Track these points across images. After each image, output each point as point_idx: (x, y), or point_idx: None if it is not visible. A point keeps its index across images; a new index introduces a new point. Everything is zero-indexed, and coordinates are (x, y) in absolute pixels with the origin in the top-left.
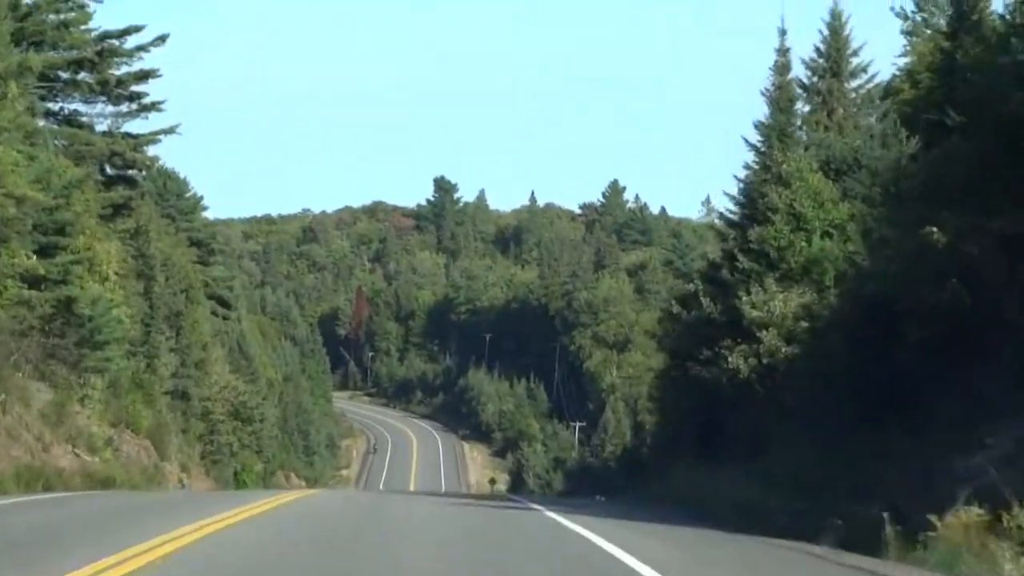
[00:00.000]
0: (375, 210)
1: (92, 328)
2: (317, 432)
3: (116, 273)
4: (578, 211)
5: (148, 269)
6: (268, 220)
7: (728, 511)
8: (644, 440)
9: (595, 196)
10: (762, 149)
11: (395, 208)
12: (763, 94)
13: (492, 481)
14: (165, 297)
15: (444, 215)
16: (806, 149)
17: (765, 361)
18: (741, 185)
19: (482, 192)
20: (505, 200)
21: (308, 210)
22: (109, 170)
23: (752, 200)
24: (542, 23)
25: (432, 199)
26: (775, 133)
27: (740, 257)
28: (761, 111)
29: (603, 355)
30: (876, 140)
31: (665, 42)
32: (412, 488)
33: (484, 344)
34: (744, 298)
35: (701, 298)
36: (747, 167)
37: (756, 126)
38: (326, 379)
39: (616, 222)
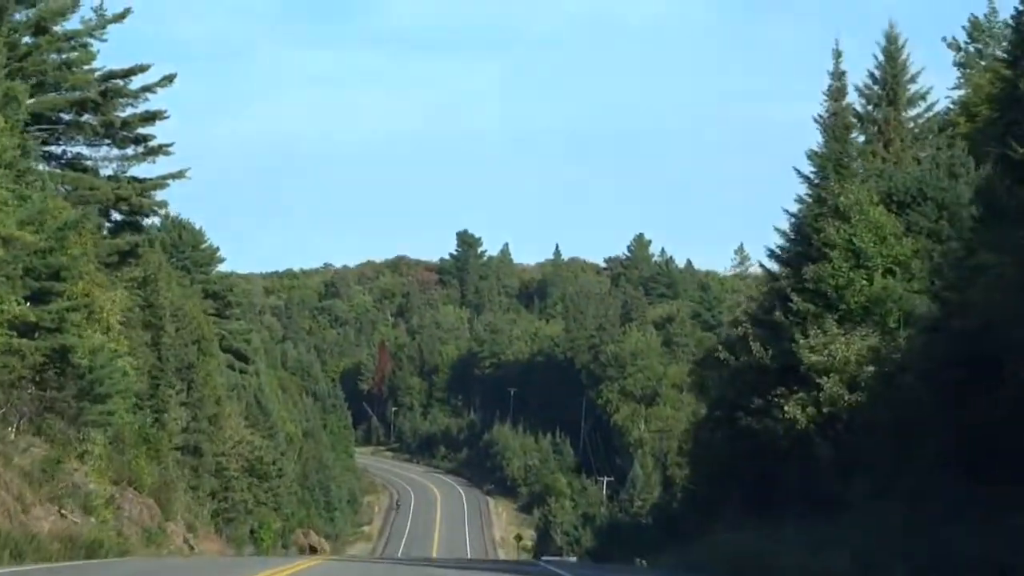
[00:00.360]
0: (398, 264)
1: (92, 380)
2: (338, 488)
3: (120, 323)
4: (603, 264)
5: (156, 319)
6: (290, 275)
7: None
8: (674, 495)
9: (620, 249)
10: (815, 181)
11: (418, 262)
12: (816, 121)
13: (518, 538)
14: (175, 349)
15: (468, 269)
16: (864, 181)
17: (826, 410)
18: (792, 220)
19: (506, 246)
20: (529, 254)
21: (330, 264)
22: (115, 216)
23: (806, 236)
24: (564, 76)
25: (455, 253)
26: (831, 163)
27: (794, 297)
28: (813, 140)
29: (631, 409)
30: (942, 170)
31: (688, 94)
32: (435, 545)
33: (509, 398)
34: (801, 341)
35: (750, 343)
36: (799, 200)
37: (809, 156)
38: (348, 434)
39: (642, 275)
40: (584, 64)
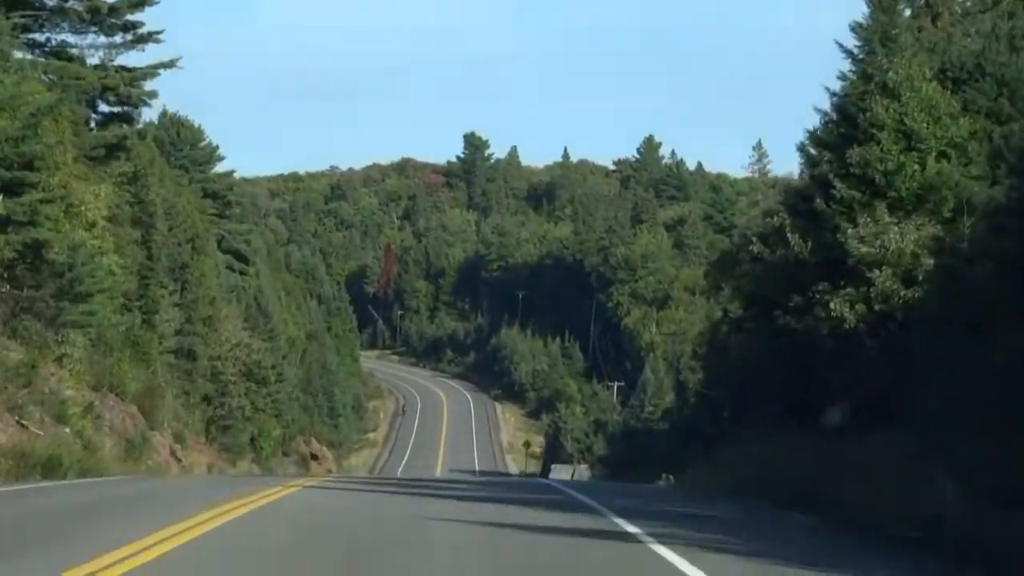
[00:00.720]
0: (404, 167)
1: (72, 278)
2: (343, 393)
3: (107, 219)
4: (612, 167)
5: (146, 216)
6: (295, 177)
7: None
8: (687, 400)
9: (630, 151)
10: (860, 56)
11: (425, 165)
12: None
13: (527, 444)
14: (168, 248)
15: (475, 171)
16: (915, 55)
17: (878, 308)
18: (834, 99)
19: (514, 148)
20: (537, 156)
21: (335, 167)
22: (103, 107)
23: (850, 116)
24: None
25: (462, 155)
26: (877, 36)
27: (837, 184)
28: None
29: (642, 312)
30: (1002, 43)
31: None
32: (441, 452)
33: (516, 302)
34: (850, 231)
35: (787, 234)
36: (842, 77)
37: (853, 28)
38: (353, 338)
39: (652, 178)
40: None
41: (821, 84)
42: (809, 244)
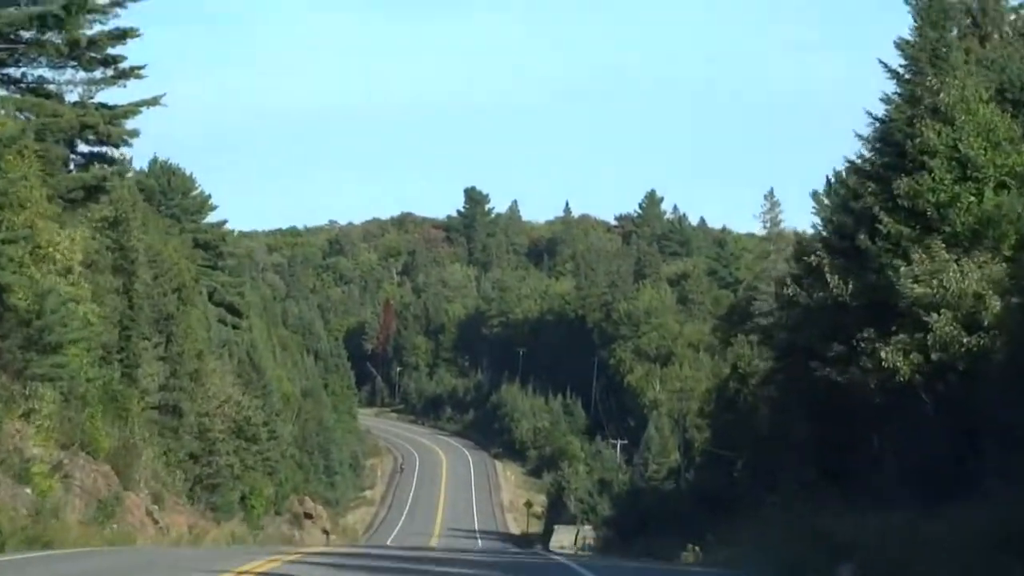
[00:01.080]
0: (404, 222)
1: (41, 327)
2: (340, 451)
3: (83, 265)
4: (614, 222)
5: (128, 264)
6: (293, 232)
7: None
8: (692, 459)
9: (632, 207)
10: (906, 76)
11: (424, 220)
12: (908, 3)
13: (529, 505)
14: (152, 298)
15: (475, 226)
16: (969, 76)
17: (936, 357)
18: (877, 125)
19: (514, 203)
20: (538, 211)
21: (334, 222)
22: (82, 147)
23: (896, 143)
24: (574, 29)
25: (463, 210)
26: (925, 54)
27: (884, 217)
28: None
29: (645, 369)
30: None
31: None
32: (440, 511)
33: (517, 359)
34: (903, 269)
35: (827, 275)
36: (886, 100)
37: (899, 45)
38: (350, 394)
39: (654, 233)
40: (594, 15)
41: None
42: (851, 286)
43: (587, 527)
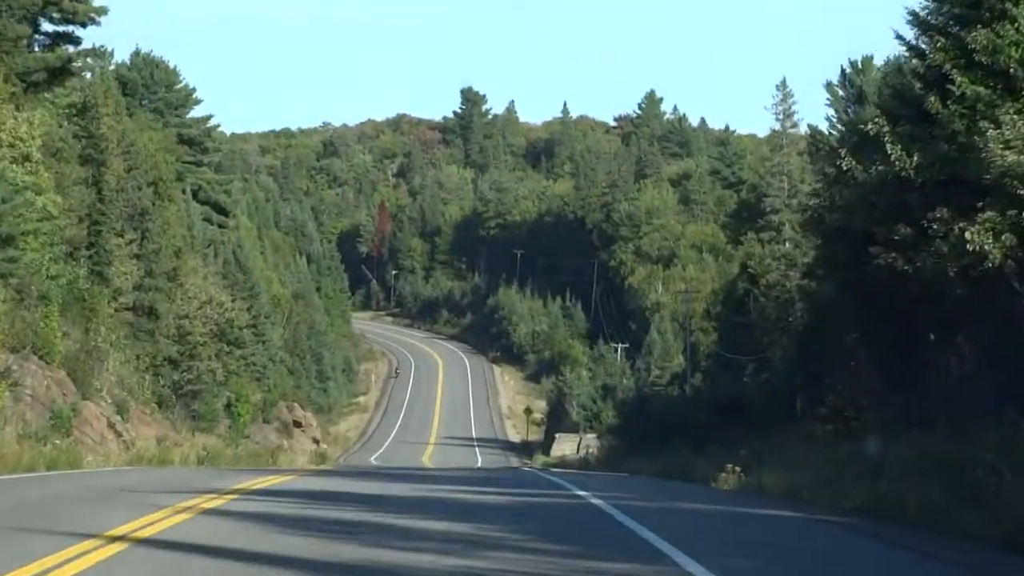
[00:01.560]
0: (399, 123)
1: None
2: (332, 355)
3: (45, 152)
4: (613, 123)
5: (98, 153)
6: (286, 134)
7: None
8: (697, 364)
9: (631, 108)
10: None
11: (420, 121)
12: None
13: (528, 411)
14: (126, 191)
15: (472, 128)
16: None
17: None
18: None
19: (511, 103)
20: (536, 112)
21: (328, 123)
22: (46, 26)
23: None
24: None
25: (459, 111)
26: None
27: (957, 77)
28: None
29: (647, 271)
30: None
31: None
32: (436, 417)
33: (515, 261)
34: (990, 133)
35: (887, 145)
36: None
37: None
38: (344, 298)
39: (653, 134)
40: None
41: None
42: (915, 159)
43: (590, 436)
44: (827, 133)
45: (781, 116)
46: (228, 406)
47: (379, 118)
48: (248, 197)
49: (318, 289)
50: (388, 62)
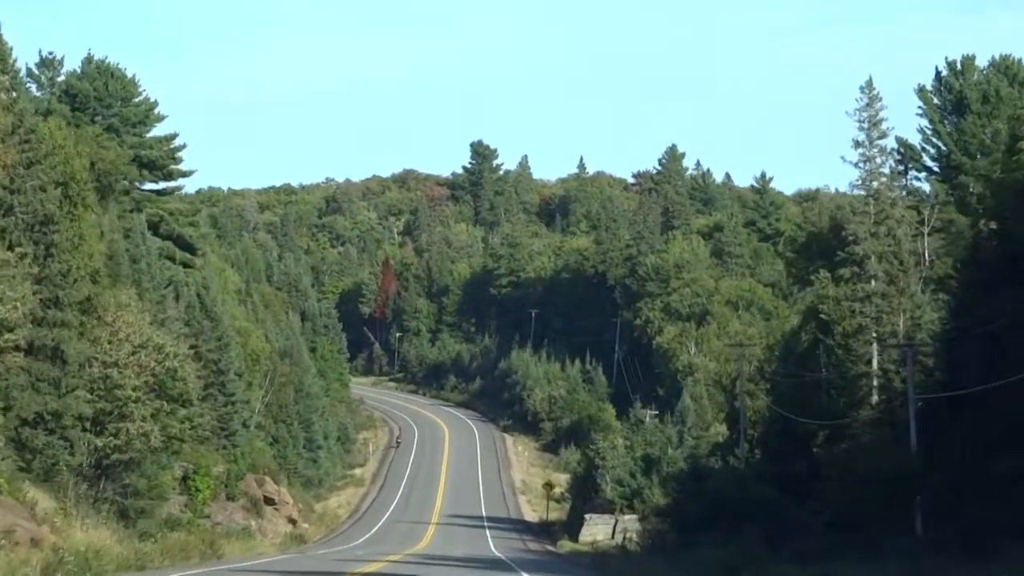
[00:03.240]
0: (406, 179)
1: None
2: (325, 422)
3: None
4: (632, 180)
5: None
6: (287, 190)
7: None
8: (741, 430)
9: (651, 163)
10: None
11: (428, 176)
12: None
13: (549, 486)
14: (24, 192)
15: (482, 184)
16: None
17: None
18: None
19: (524, 158)
20: (550, 168)
21: (332, 179)
22: None
23: None
24: None
25: (469, 166)
26: None
27: None
28: None
29: (677, 329)
30: None
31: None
32: (440, 493)
33: (529, 321)
34: None
35: None
36: None
37: None
38: (342, 359)
39: (676, 191)
40: None
41: None
42: None
43: (629, 517)
44: (918, 147)
45: (867, 123)
46: (185, 479)
47: (385, 173)
48: (238, 248)
49: (313, 350)
50: (394, 115)
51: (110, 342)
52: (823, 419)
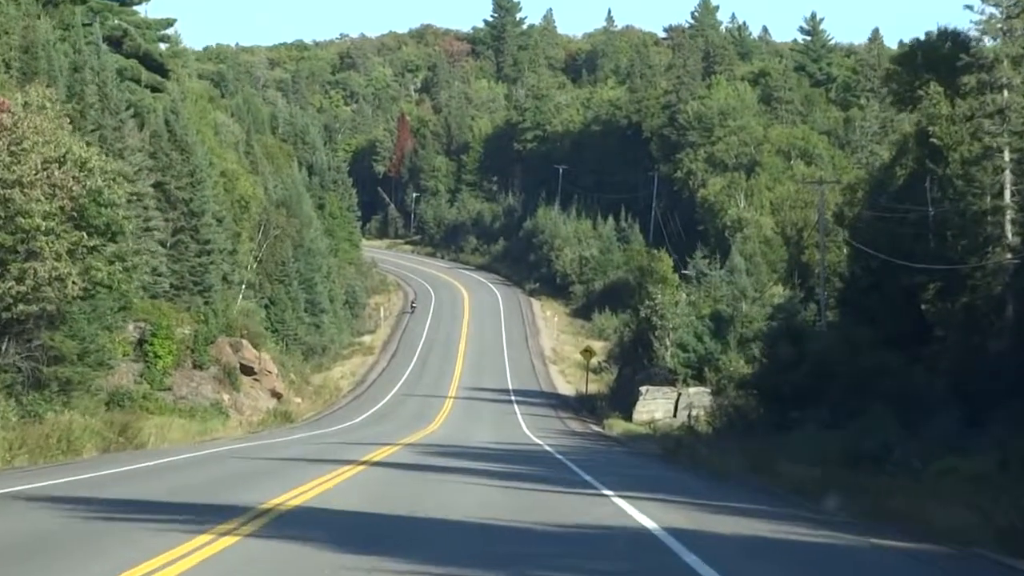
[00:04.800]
0: (424, 34)
1: None
2: (331, 284)
3: None
4: (663, 34)
5: None
6: (300, 46)
7: None
8: (811, 291)
9: (682, 17)
10: None
11: (447, 31)
12: None
13: (588, 353)
14: None
15: (505, 39)
16: None
17: None
18: None
19: (549, 12)
20: (576, 23)
21: (346, 35)
22: None
23: None
24: None
25: (490, 20)
26: None
27: None
28: None
29: (725, 180)
30: None
31: None
32: (459, 362)
33: (556, 178)
34: None
35: None
36: None
37: None
38: (352, 218)
39: (710, 44)
40: None
41: None
42: None
43: (694, 390)
44: None
45: None
46: (141, 343)
47: (401, 29)
48: (238, 98)
49: (321, 207)
50: None
51: (12, 153)
52: (935, 265)
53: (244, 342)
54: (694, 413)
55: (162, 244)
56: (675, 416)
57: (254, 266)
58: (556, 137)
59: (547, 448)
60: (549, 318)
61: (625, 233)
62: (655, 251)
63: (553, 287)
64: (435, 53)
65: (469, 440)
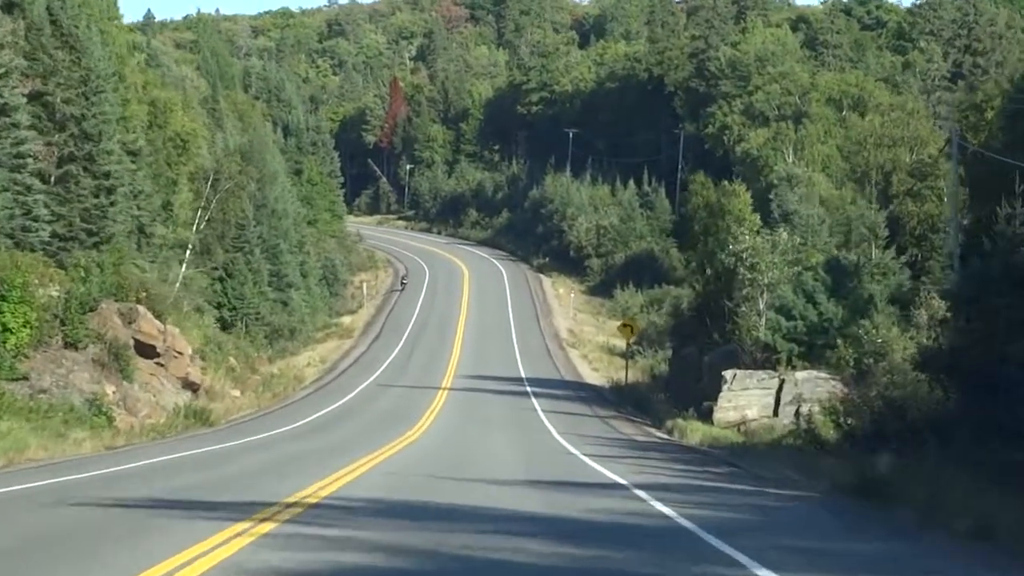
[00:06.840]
0: None
1: None
2: (305, 255)
3: None
4: None
5: None
6: (284, 13)
7: None
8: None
9: None
10: None
11: None
12: None
13: (629, 328)
14: None
15: (506, 2)
16: None
17: None
18: None
19: None
20: None
21: (334, 1)
22: None
23: None
24: None
25: None
26: None
27: None
28: None
29: (769, 132)
30: None
31: None
32: (457, 348)
33: (565, 143)
34: None
35: None
36: None
37: None
38: (334, 185)
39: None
40: None
41: None
42: None
43: (803, 374)
44: None
45: None
46: None
47: None
48: (206, 51)
49: (299, 172)
50: None
51: None
52: None
53: (142, 309)
54: (804, 410)
55: (42, 177)
56: (776, 415)
57: (202, 227)
58: (565, 98)
59: (640, 495)
60: (563, 295)
61: (649, 198)
62: (727, 183)
63: (565, 261)
64: (431, 19)
65: (472, 467)
